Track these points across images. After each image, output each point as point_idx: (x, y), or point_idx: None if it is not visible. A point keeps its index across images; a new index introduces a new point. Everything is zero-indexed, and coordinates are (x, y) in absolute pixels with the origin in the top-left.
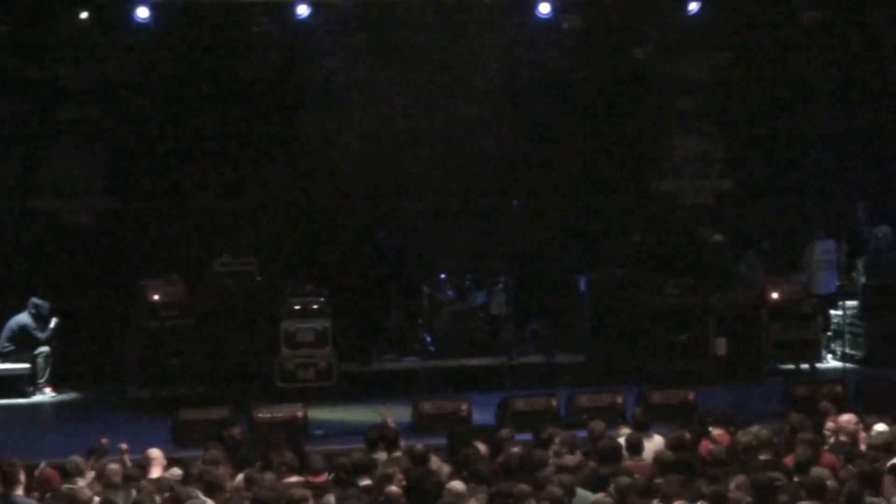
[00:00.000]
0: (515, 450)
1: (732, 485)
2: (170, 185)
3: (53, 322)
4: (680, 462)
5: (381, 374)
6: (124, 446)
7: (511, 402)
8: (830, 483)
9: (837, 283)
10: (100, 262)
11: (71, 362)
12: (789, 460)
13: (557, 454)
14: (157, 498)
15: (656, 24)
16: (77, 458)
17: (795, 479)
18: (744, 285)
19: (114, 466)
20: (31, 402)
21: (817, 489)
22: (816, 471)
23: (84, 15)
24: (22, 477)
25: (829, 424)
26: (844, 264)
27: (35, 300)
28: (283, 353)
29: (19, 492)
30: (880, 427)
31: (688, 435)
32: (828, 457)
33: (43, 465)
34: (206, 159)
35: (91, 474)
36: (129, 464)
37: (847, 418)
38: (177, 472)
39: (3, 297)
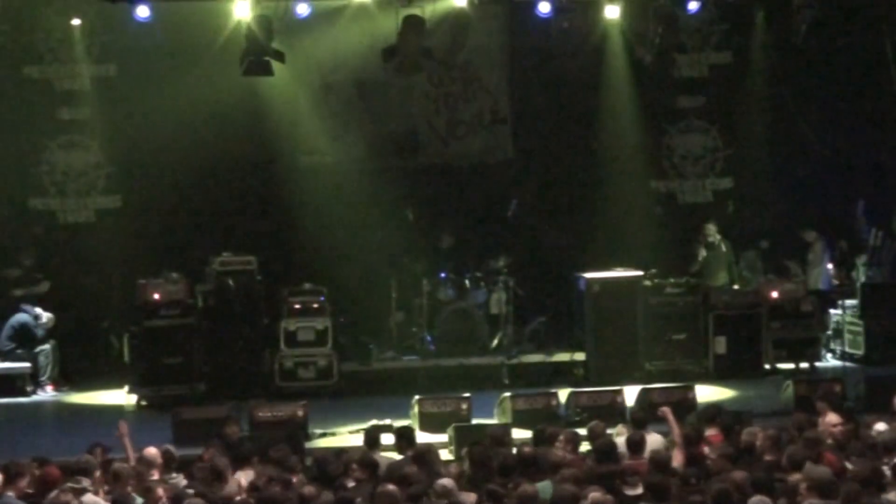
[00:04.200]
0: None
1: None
2: (170, 184)
3: (46, 317)
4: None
5: (381, 374)
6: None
7: (511, 402)
8: (829, 481)
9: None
10: (99, 261)
11: (71, 362)
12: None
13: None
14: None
15: (656, 24)
16: (88, 457)
17: (790, 476)
18: (743, 285)
19: (120, 466)
20: (31, 401)
21: (813, 488)
22: (810, 469)
23: (76, 22)
24: (24, 479)
25: (822, 423)
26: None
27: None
28: (283, 352)
29: (11, 493)
30: (880, 426)
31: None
32: (826, 455)
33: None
34: (207, 157)
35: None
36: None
37: (830, 419)
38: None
39: (2, 296)
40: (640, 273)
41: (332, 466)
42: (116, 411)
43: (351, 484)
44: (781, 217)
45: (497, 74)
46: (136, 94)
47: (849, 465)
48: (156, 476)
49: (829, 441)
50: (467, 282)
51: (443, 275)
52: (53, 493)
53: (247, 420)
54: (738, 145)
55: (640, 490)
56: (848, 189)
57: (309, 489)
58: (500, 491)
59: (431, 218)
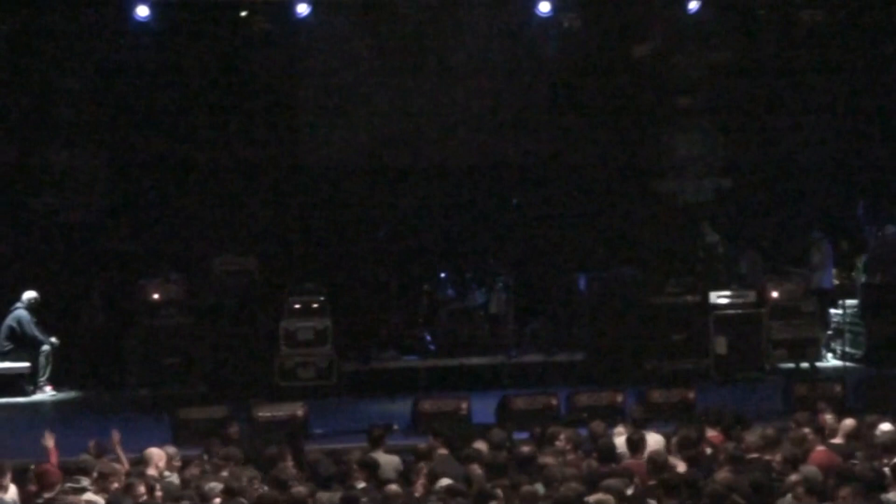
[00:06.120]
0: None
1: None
2: (169, 184)
3: (54, 339)
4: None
5: (381, 373)
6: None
7: (511, 402)
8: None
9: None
10: (99, 260)
11: (71, 361)
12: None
13: (562, 452)
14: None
15: (656, 24)
16: (87, 457)
17: (789, 477)
18: (743, 285)
19: (115, 466)
20: (31, 401)
21: (811, 487)
22: (807, 469)
23: (76, 21)
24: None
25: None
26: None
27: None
28: (283, 352)
29: None
30: (885, 426)
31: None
32: (826, 454)
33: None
34: (206, 158)
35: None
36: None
37: (829, 417)
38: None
39: (2, 295)
40: (640, 273)
41: (329, 467)
42: (116, 411)
43: (361, 485)
44: (781, 217)
45: (497, 74)
46: (136, 94)
47: (850, 466)
48: (154, 474)
49: (837, 441)
50: (467, 281)
51: (443, 275)
52: (52, 493)
53: (246, 420)
54: (739, 145)
55: (629, 491)
56: (848, 189)
57: (298, 490)
58: (497, 492)
59: (430, 218)
